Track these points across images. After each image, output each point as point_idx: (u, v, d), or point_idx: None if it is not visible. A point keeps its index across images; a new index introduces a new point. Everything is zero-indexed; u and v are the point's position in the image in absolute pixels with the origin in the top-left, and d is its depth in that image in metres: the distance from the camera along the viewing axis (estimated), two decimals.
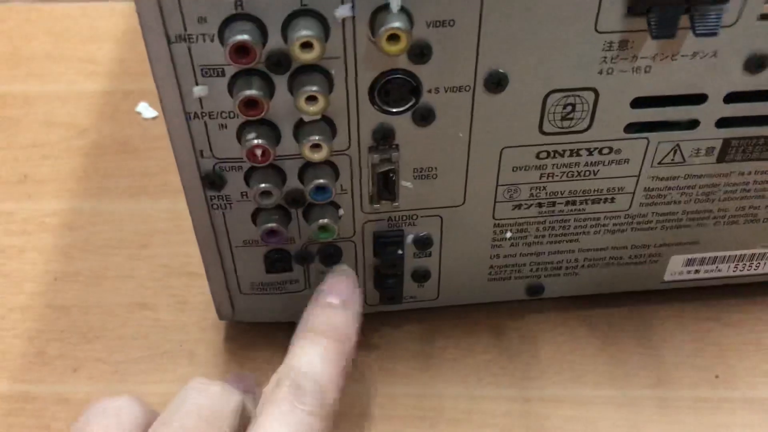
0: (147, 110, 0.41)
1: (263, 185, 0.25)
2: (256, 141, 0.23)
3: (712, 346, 0.31)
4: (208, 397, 0.22)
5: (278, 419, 0.22)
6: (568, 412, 0.29)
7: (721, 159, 0.27)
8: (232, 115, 0.24)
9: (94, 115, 0.42)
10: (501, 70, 0.24)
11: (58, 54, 0.45)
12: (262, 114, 0.23)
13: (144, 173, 0.38)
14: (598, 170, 0.27)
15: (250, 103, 0.23)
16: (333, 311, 0.26)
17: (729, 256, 0.31)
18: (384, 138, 0.25)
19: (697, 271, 0.32)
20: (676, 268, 0.31)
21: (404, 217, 0.28)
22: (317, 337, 0.25)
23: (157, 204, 0.37)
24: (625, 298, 0.32)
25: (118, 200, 0.37)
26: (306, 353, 0.24)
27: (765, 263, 0.31)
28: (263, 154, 0.24)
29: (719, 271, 0.32)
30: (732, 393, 0.30)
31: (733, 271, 0.32)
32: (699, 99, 0.26)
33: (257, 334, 0.31)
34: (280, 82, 0.23)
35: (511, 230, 0.29)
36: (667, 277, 0.32)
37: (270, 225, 0.26)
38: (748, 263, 0.31)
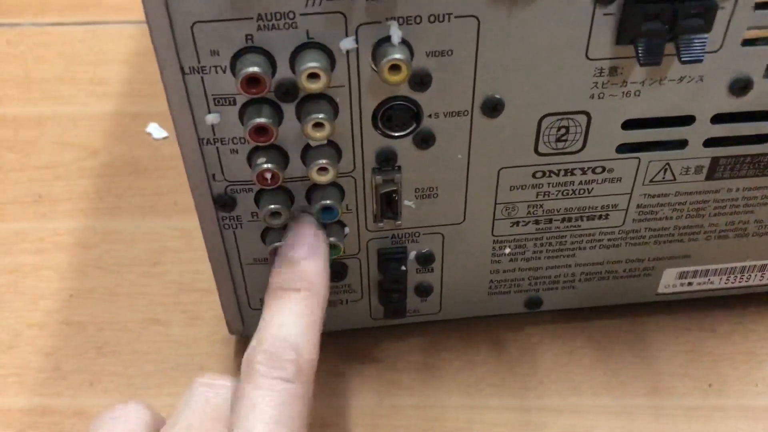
0: (157, 131, 0.43)
1: (272, 206, 0.26)
2: (265, 165, 0.25)
3: (705, 356, 0.32)
4: (214, 393, 0.23)
5: (259, 398, 0.22)
6: (566, 421, 0.30)
7: (710, 177, 0.29)
8: (242, 141, 0.25)
9: (106, 136, 0.43)
10: (497, 96, 0.25)
11: (69, 76, 0.47)
12: (271, 140, 0.24)
13: (155, 192, 0.40)
14: (592, 188, 0.28)
15: (259, 130, 0.24)
16: (299, 264, 0.25)
17: (720, 269, 0.32)
18: (387, 160, 0.26)
19: (689, 284, 0.33)
20: (670, 281, 0.32)
21: (407, 235, 0.29)
22: (286, 294, 0.24)
23: (168, 222, 0.38)
24: (620, 310, 0.33)
25: (130, 219, 0.39)
26: (277, 313, 0.24)
27: (755, 275, 0.33)
28: (272, 177, 0.25)
29: (711, 283, 0.33)
30: (724, 402, 0.31)
31: (725, 284, 0.33)
32: (687, 120, 0.27)
33: None
34: (289, 109, 0.24)
35: (509, 246, 0.30)
36: (660, 290, 0.33)
37: (279, 244, 0.27)
38: (739, 276, 0.32)
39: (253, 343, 0.24)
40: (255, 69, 0.22)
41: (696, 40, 0.24)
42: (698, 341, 0.33)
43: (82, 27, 0.51)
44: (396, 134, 0.26)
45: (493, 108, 0.25)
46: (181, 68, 0.23)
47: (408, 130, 0.26)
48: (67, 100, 0.45)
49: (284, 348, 0.23)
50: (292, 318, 0.24)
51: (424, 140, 0.26)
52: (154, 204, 0.39)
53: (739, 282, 0.33)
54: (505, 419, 0.30)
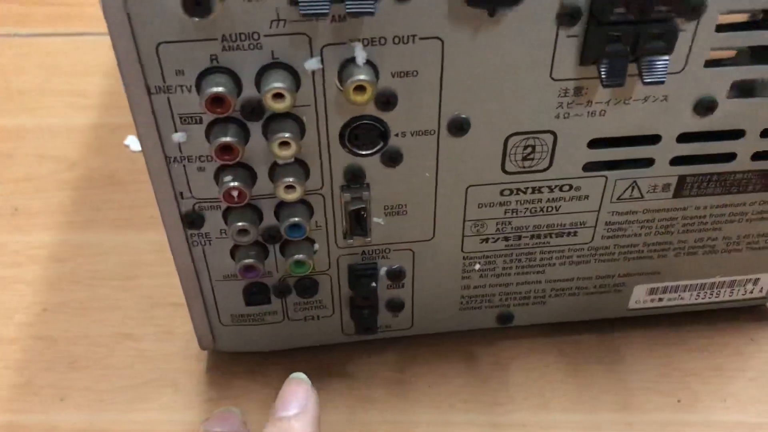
0: (135, 143, 0.43)
1: (240, 224, 0.26)
2: (232, 183, 0.25)
3: (676, 371, 0.33)
4: None
5: None
6: None
7: (677, 194, 0.29)
8: (209, 159, 0.25)
9: (84, 149, 0.43)
10: (463, 116, 0.25)
11: (49, 88, 0.47)
12: (237, 159, 0.24)
13: (131, 206, 0.40)
14: (560, 206, 0.28)
15: (225, 149, 0.24)
16: (289, 423, 0.26)
17: (690, 285, 0.32)
18: (355, 178, 0.26)
19: (660, 299, 0.33)
20: (640, 297, 0.33)
21: (377, 251, 0.29)
22: None
23: (143, 236, 0.38)
24: (593, 325, 0.34)
25: (105, 232, 0.39)
26: None
27: (725, 291, 0.33)
28: (239, 195, 0.25)
29: (682, 299, 0.33)
30: (693, 417, 0.31)
31: (695, 299, 0.33)
32: (653, 139, 0.27)
33: (238, 363, 0.33)
34: (255, 128, 0.24)
35: (479, 262, 0.30)
36: (631, 305, 0.33)
37: (247, 261, 0.27)
38: (709, 291, 0.33)
39: None
40: (219, 89, 0.23)
41: (658, 62, 0.24)
42: (669, 356, 0.33)
43: (63, 38, 0.51)
44: (363, 152, 0.26)
45: (459, 127, 0.25)
46: (147, 88, 0.23)
47: (375, 149, 0.26)
48: (47, 112, 0.45)
49: None
50: None
51: (392, 158, 0.26)
52: (130, 217, 0.39)
53: (709, 298, 0.33)
54: None
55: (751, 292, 0.33)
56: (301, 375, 0.27)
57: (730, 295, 0.33)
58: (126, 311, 0.35)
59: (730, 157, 0.28)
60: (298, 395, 0.26)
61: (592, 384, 0.32)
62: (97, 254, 0.37)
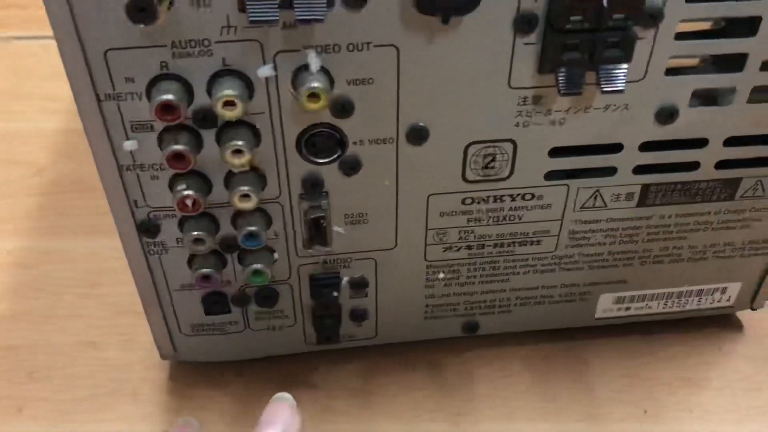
0: None
1: (196, 233, 0.26)
2: (185, 192, 0.24)
3: (643, 381, 0.32)
4: None
5: None
6: None
7: (641, 203, 0.29)
8: (163, 167, 0.25)
9: (53, 154, 0.43)
10: (421, 124, 0.25)
11: (19, 92, 0.46)
12: (189, 167, 0.24)
13: (98, 212, 0.39)
14: (522, 215, 0.28)
15: (177, 157, 0.24)
16: None
17: (657, 294, 0.32)
18: (313, 186, 0.26)
19: (627, 309, 0.33)
20: (607, 306, 0.32)
21: (339, 260, 0.29)
22: None
23: (110, 242, 0.37)
24: (562, 334, 0.33)
25: (72, 239, 0.38)
26: None
27: (692, 300, 0.33)
28: (193, 204, 0.25)
29: (649, 308, 0.33)
30: (658, 428, 0.31)
31: (663, 308, 0.33)
32: (615, 148, 0.27)
33: (201, 373, 0.32)
34: (209, 135, 0.24)
35: (443, 271, 0.30)
36: (598, 314, 0.33)
37: (203, 271, 0.27)
38: (676, 300, 0.33)
39: None
40: (168, 96, 0.22)
41: (617, 71, 0.24)
42: (637, 366, 0.33)
43: (35, 41, 0.50)
44: (321, 161, 0.25)
45: (418, 136, 0.25)
46: (97, 95, 0.23)
47: (333, 157, 0.25)
48: (17, 116, 0.45)
49: None
50: None
51: (350, 166, 0.26)
52: (97, 223, 0.39)
53: (677, 307, 0.33)
54: None
55: (719, 301, 0.33)
56: (285, 395, 0.27)
57: (698, 304, 0.33)
58: (89, 319, 0.34)
59: (694, 165, 0.28)
60: (282, 415, 0.26)
61: (558, 394, 0.32)
62: (63, 261, 0.37)
